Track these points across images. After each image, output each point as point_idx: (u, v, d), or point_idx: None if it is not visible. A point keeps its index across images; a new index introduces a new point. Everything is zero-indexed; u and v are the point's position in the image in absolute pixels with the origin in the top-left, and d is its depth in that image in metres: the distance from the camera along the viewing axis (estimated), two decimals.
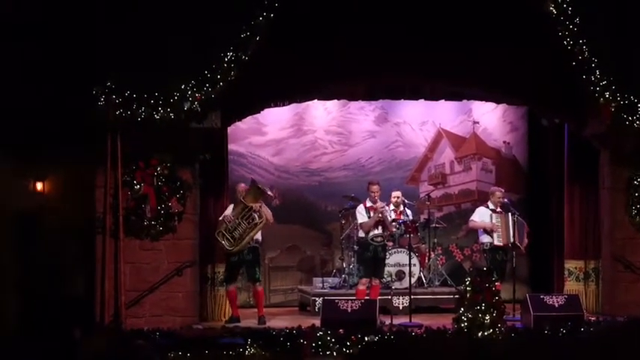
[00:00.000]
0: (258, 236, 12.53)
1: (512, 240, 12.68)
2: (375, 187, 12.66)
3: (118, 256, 11.82)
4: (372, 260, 12.58)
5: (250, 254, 12.44)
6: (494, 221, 12.81)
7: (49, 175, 12.62)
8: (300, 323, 11.13)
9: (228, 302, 12.79)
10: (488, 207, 13.01)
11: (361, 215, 12.65)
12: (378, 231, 12.55)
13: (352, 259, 13.95)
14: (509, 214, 12.82)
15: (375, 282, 12.65)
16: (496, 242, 12.76)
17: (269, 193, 12.87)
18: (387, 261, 13.50)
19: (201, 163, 12.34)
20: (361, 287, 12.59)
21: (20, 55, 12.21)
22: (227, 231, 12.19)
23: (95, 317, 11.70)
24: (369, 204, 12.64)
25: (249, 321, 12.49)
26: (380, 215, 12.55)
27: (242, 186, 12.73)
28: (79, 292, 12.36)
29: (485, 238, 12.94)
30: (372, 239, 12.54)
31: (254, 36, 11.76)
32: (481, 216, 12.98)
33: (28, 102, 12.20)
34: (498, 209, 12.94)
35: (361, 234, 12.75)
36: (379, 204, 12.57)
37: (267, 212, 12.52)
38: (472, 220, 13.13)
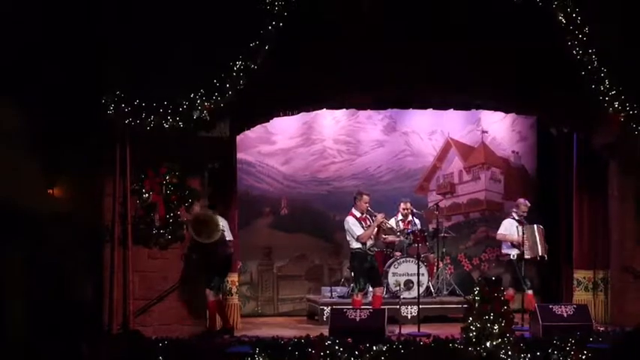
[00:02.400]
0: (227, 237, 12.14)
1: (540, 253, 12.74)
2: (367, 198, 12.64)
3: (126, 265, 11.83)
4: (370, 270, 12.55)
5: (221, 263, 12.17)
6: (520, 234, 12.83)
7: (58, 183, 12.64)
8: (309, 332, 11.10)
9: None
10: (513, 218, 12.95)
11: (357, 227, 12.49)
12: (372, 241, 12.54)
13: None
14: (535, 224, 12.84)
15: (379, 291, 12.63)
16: (526, 256, 12.82)
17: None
18: (395, 270, 13.55)
19: (210, 172, 12.35)
20: (358, 298, 12.51)
21: (29, 63, 12.25)
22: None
23: (103, 326, 11.70)
24: (358, 215, 12.56)
25: (257, 331, 12.49)
26: (386, 226, 12.63)
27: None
28: (87, 297, 12.36)
29: (509, 250, 12.98)
30: (369, 249, 12.52)
31: (263, 45, 11.78)
32: (508, 228, 13.00)
33: (37, 109, 12.22)
34: (523, 220, 12.97)
35: (356, 245, 12.48)
36: (380, 215, 12.54)
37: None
38: (500, 234, 13.14)
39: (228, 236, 12.15)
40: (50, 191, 12.57)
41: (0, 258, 1.71)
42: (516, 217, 13.05)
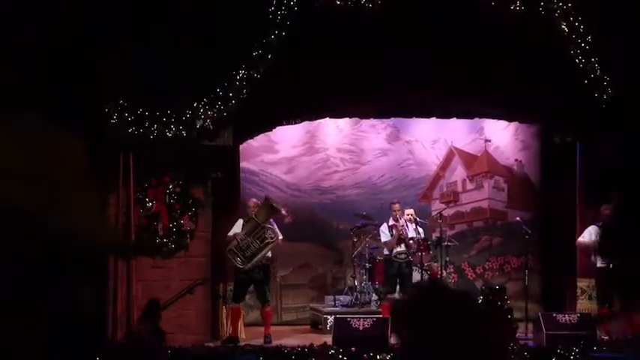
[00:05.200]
0: (269, 254, 12.47)
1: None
2: (396, 207, 12.95)
3: (129, 274, 11.83)
4: (396, 277, 12.70)
5: (261, 272, 12.36)
6: (596, 239, 12.42)
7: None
8: (312, 341, 11.10)
9: (230, 319, 12.66)
10: (597, 224, 12.57)
11: (384, 234, 12.92)
12: (401, 248, 12.68)
13: (364, 276, 13.95)
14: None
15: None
16: (599, 264, 12.43)
17: (282, 211, 12.84)
18: None
19: (213, 181, 12.36)
20: (386, 303, 12.67)
21: (32, 73, 12.25)
22: (238, 249, 12.10)
23: (107, 335, 11.69)
24: (391, 222, 12.83)
25: (261, 340, 12.46)
26: (401, 232, 12.70)
27: (253, 201, 12.68)
28: (91, 309, 12.34)
29: (594, 258, 12.56)
30: (395, 257, 12.69)
31: (266, 54, 11.80)
32: (586, 235, 12.56)
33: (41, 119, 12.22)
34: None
35: (385, 252, 12.94)
36: (400, 222, 12.72)
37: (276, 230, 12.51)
38: (578, 240, 12.76)
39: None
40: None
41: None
42: (600, 224, 12.53)
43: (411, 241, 13.20)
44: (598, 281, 12.66)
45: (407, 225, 12.94)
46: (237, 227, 12.37)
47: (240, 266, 12.12)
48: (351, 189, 15.43)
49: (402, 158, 15.66)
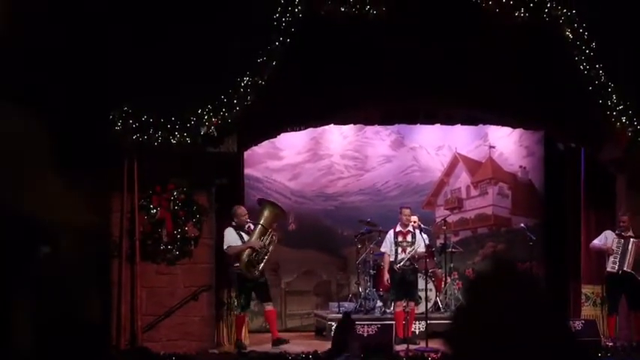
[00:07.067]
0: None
1: (625, 268, 12.32)
2: (406, 211, 12.84)
3: (134, 281, 11.83)
4: (400, 283, 12.62)
5: (263, 277, 12.41)
6: (610, 243, 12.44)
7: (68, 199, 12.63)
8: (317, 348, 11.09)
9: (236, 327, 12.62)
10: (614, 231, 12.64)
11: (384, 244, 12.84)
12: (406, 255, 12.60)
13: (368, 283, 13.93)
14: (631, 239, 12.40)
15: (411, 304, 12.68)
16: (608, 268, 12.46)
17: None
18: None
19: (217, 188, 12.36)
20: (398, 309, 12.64)
21: (37, 80, 12.26)
22: (254, 260, 12.11)
23: (111, 342, 11.69)
24: (398, 228, 12.69)
25: (265, 346, 12.46)
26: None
27: (243, 209, 12.55)
28: (95, 316, 12.33)
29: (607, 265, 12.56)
30: (398, 263, 12.60)
31: (270, 61, 11.81)
32: (605, 238, 12.60)
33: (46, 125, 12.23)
34: (629, 233, 12.52)
35: (392, 258, 12.78)
36: (409, 228, 12.66)
37: None
38: (593, 243, 12.77)
39: None
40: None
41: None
42: (617, 231, 12.59)
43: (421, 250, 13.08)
44: (607, 286, 12.68)
45: (415, 231, 12.84)
46: (230, 236, 12.24)
47: (256, 275, 12.16)
48: (355, 195, 15.42)
49: (407, 165, 15.65)
